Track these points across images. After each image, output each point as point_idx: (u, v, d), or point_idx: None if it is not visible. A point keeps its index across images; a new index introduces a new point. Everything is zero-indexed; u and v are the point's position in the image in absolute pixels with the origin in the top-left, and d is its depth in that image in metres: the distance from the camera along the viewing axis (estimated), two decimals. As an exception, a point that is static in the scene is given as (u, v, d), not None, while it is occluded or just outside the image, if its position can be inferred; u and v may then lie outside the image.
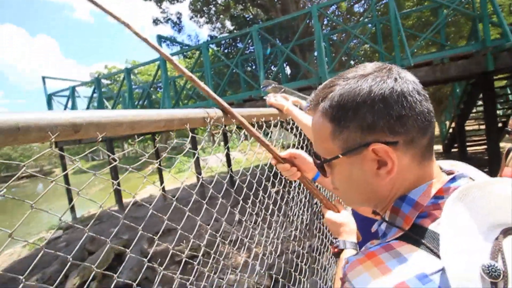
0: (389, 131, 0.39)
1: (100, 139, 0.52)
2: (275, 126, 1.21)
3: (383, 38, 7.02)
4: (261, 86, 1.39)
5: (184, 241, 4.74)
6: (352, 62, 9.51)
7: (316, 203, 1.64)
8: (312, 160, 0.82)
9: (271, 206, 1.09)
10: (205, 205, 0.96)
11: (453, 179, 0.41)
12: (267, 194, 1.13)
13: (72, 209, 8.66)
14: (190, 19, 11.44)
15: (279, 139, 1.22)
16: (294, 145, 1.33)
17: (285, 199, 1.17)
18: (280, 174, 1.14)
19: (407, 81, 0.40)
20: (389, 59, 4.78)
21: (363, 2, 10.32)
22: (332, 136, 0.43)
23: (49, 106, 8.69)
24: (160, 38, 6.76)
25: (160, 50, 0.77)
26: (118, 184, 7.68)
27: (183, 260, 0.90)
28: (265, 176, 1.14)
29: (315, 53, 8.14)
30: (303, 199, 1.32)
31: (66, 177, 8.79)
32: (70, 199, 8.49)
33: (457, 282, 0.30)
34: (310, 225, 1.41)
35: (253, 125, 1.09)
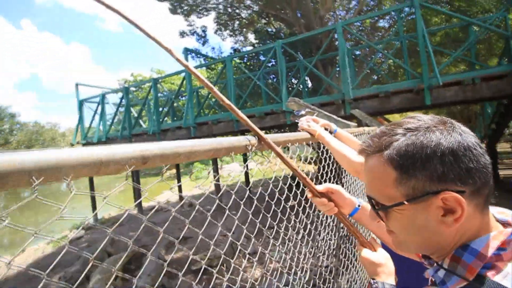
0: (459, 181, 0.41)
1: (165, 170, 0.57)
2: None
3: (409, 53, 6.91)
4: (294, 111, 1.43)
5: (201, 250, 4.77)
6: (375, 77, 9.38)
7: (342, 227, 1.62)
8: (346, 196, 0.81)
9: (297, 225, 1.09)
10: (227, 211, 0.97)
11: None
12: (289, 207, 1.13)
13: (94, 210, 9.01)
14: (215, 32, 11.85)
15: (296, 151, 1.22)
16: (312, 159, 1.31)
17: (314, 223, 1.18)
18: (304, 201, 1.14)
19: (470, 135, 0.43)
20: (415, 77, 4.69)
21: (388, 17, 10.25)
22: (396, 183, 0.44)
23: (80, 111, 9.25)
24: (187, 51, 7.07)
25: (204, 80, 0.79)
26: (139, 193, 7.94)
27: (203, 268, 0.90)
28: (286, 188, 1.14)
29: (337, 68, 8.13)
30: (331, 223, 1.31)
31: (91, 179, 9.20)
32: (93, 200, 8.84)
33: None
34: (336, 251, 1.40)
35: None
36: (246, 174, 8.37)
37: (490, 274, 0.39)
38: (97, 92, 9.18)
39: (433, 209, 0.42)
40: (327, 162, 1.39)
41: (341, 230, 1.61)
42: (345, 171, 1.64)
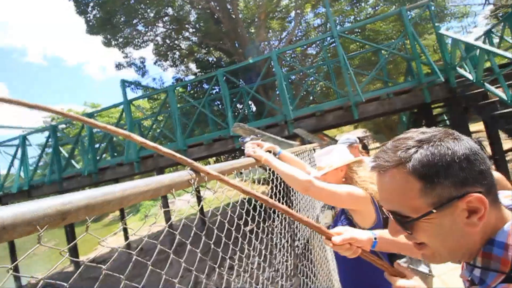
0: (477, 183, 0.45)
1: (90, 224, 0.51)
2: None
3: (336, 76, 7.82)
4: (240, 138, 1.45)
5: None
6: (311, 98, 10.27)
7: (297, 246, 1.64)
8: (361, 237, 0.80)
9: (255, 253, 1.07)
10: (171, 255, 0.90)
11: None
12: (248, 240, 1.11)
13: (16, 276, 7.41)
14: (154, 63, 11.64)
15: (248, 174, 1.23)
16: (265, 179, 1.34)
17: (269, 248, 1.17)
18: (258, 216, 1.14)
19: (473, 142, 0.48)
20: (343, 96, 5.29)
21: (314, 46, 11.54)
22: (421, 193, 0.46)
23: (-7, 158, 7.82)
24: (124, 83, 6.71)
25: (146, 142, 0.76)
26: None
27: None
28: (243, 218, 1.13)
29: (277, 91, 8.69)
30: (285, 244, 1.32)
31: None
32: (15, 265, 7.29)
33: None
34: (294, 271, 1.40)
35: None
36: (201, 208, 8.00)
37: None
38: (16, 133, 7.95)
39: (458, 213, 0.45)
40: (274, 184, 1.42)
41: (296, 248, 1.63)
42: (292, 189, 1.70)
